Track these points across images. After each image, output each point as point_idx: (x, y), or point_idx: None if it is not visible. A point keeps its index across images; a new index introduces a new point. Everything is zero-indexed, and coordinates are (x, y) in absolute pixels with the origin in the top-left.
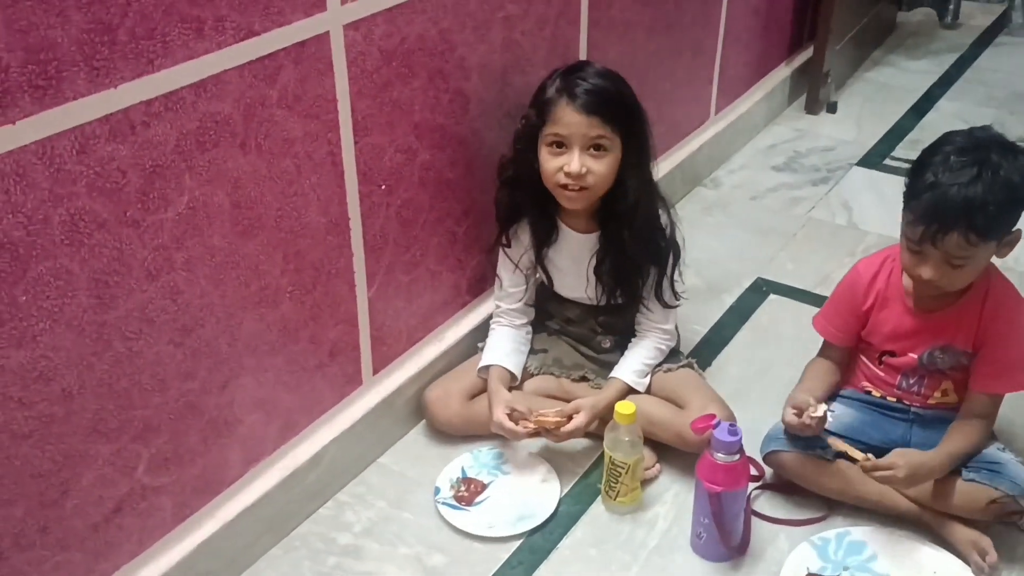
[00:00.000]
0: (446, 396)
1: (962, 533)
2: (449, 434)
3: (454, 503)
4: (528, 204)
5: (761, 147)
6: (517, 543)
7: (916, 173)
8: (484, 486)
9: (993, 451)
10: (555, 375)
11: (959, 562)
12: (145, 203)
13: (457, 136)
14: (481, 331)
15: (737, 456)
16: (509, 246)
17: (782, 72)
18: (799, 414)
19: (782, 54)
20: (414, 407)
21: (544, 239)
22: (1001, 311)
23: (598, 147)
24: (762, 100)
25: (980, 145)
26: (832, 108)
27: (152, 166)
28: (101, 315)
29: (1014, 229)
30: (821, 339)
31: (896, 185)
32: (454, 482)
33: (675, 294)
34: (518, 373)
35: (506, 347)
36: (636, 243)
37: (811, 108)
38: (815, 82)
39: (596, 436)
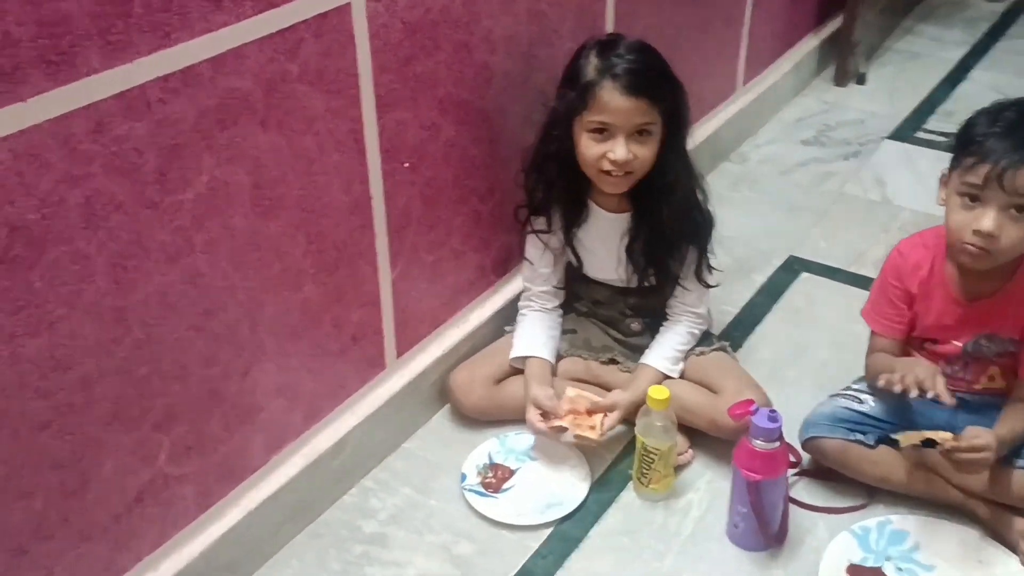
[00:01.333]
0: (471, 380)
1: (1012, 522)
2: (475, 419)
3: (481, 490)
4: (560, 186)
5: (789, 120)
6: (547, 532)
7: (971, 125)
8: (512, 472)
9: None
10: (583, 357)
11: (1007, 552)
12: (163, 183)
13: (482, 111)
14: (507, 313)
15: (777, 443)
16: (539, 231)
17: (810, 42)
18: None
19: (810, 24)
20: (439, 391)
21: (574, 220)
22: None
23: (643, 131)
24: (790, 72)
25: None
26: (862, 80)
27: (170, 145)
28: (119, 300)
29: None
30: (857, 318)
31: (931, 159)
32: (481, 468)
33: (707, 279)
34: (552, 359)
35: (541, 335)
36: (674, 221)
37: (840, 80)
38: (845, 53)
39: (628, 422)
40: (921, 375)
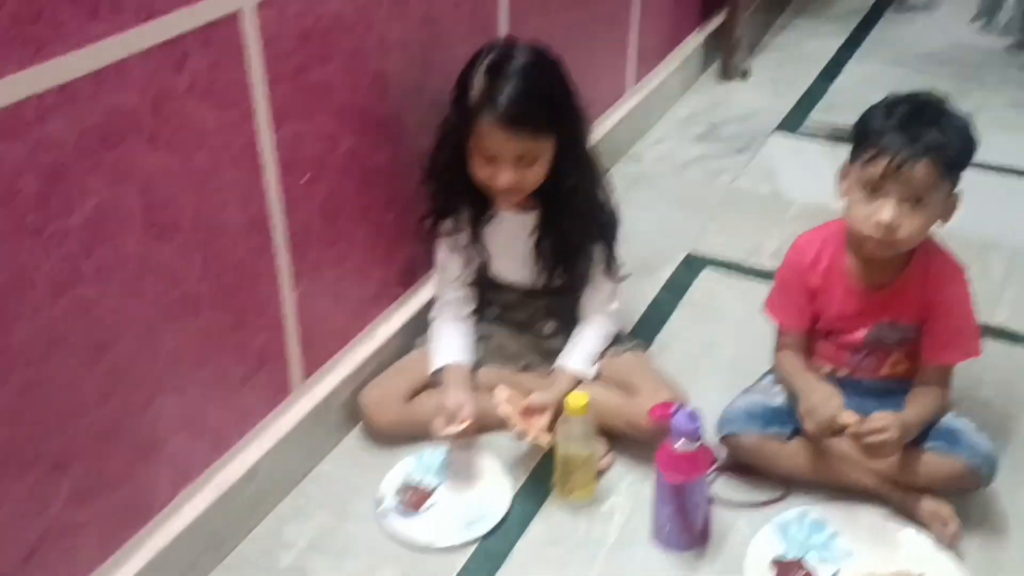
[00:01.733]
0: (383, 399)
1: (925, 505)
2: (390, 437)
3: (400, 511)
4: (462, 188)
5: (680, 118)
6: (471, 549)
7: (867, 120)
8: (430, 491)
9: (950, 419)
10: (498, 365)
11: (921, 533)
12: (46, 208)
13: (380, 120)
14: (415, 326)
15: (698, 443)
16: (446, 233)
17: (695, 40)
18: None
19: (695, 21)
20: (350, 411)
21: (480, 218)
22: (944, 282)
23: (528, 158)
24: (678, 70)
25: (929, 101)
26: (746, 75)
27: (51, 167)
28: (1, 340)
29: (955, 191)
30: (761, 311)
31: (816, 150)
32: (398, 489)
33: (614, 273)
34: (472, 366)
35: (457, 342)
36: (580, 220)
37: (725, 76)
38: (729, 49)
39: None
40: (825, 416)
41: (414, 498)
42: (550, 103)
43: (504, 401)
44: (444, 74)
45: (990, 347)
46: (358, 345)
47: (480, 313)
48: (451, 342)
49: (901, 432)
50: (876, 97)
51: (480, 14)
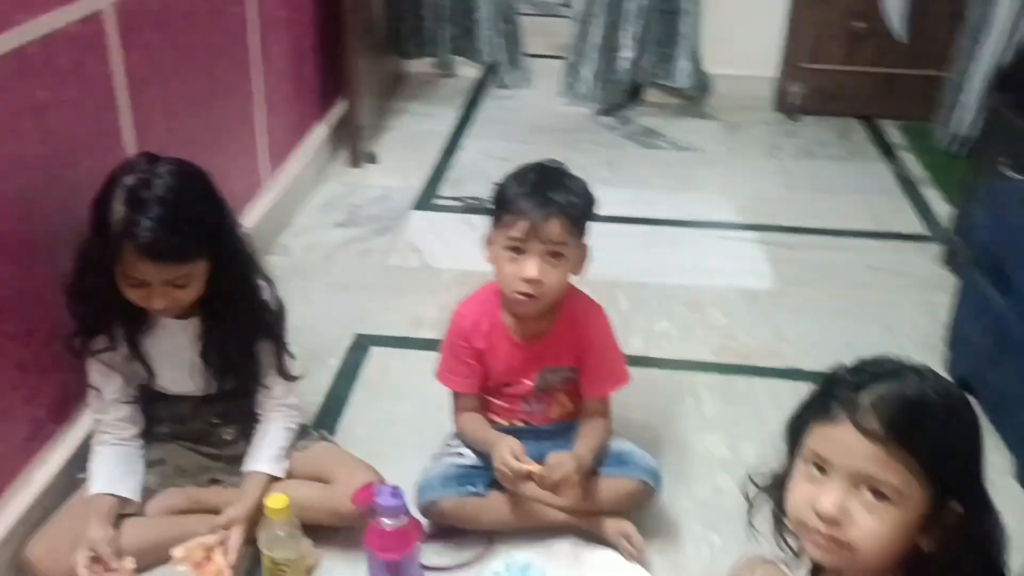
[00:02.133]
0: (54, 549)
1: (609, 526)
2: None
3: None
4: (112, 301)
5: (318, 206)
6: None
7: (503, 189)
8: None
9: (616, 443)
10: (181, 486)
11: (612, 552)
12: None
13: (5, 245)
14: (79, 461)
15: (405, 518)
16: (99, 351)
17: (321, 131)
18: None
19: (317, 113)
20: (18, 571)
21: (138, 330)
22: (589, 322)
23: (181, 281)
24: (309, 161)
25: (552, 168)
26: (374, 159)
27: None
28: None
29: (585, 243)
30: (433, 379)
31: (452, 221)
32: None
33: (287, 372)
34: (135, 496)
35: (114, 470)
36: (242, 326)
37: (355, 162)
38: (354, 136)
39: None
40: (513, 468)
41: None
42: (198, 227)
43: (180, 559)
44: (73, 190)
45: (633, 373)
46: (13, 496)
47: (150, 433)
48: (107, 468)
49: (577, 466)
50: (495, 168)
51: (103, 124)
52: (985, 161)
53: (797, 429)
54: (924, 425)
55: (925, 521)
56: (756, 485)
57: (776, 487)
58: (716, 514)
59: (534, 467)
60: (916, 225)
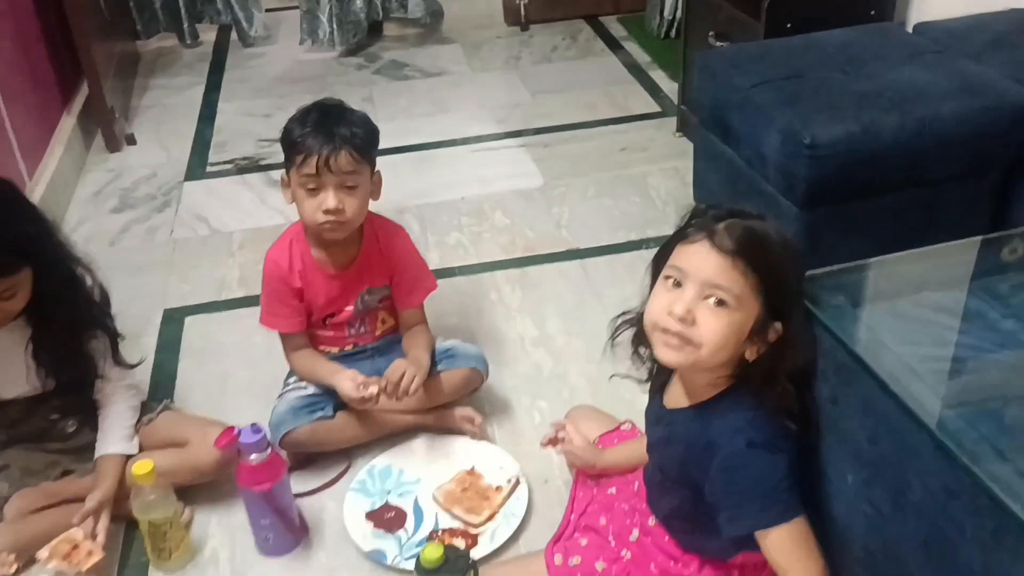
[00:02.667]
0: None
1: (451, 415)
2: None
3: None
4: None
5: (88, 197)
6: None
7: (289, 132)
8: None
9: (442, 343)
10: (33, 485)
11: (460, 437)
12: None
13: None
14: None
15: (269, 450)
16: None
17: (69, 121)
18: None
19: (60, 103)
20: None
21: None
22: (393, 243)
23: (7, 294)
24: (64, 153)
25: (331, 105)
26: (132, 140)
27: None
28: None
29: (376, 171)
30: (255, 332)
31: (228, 184)
32: None
33: (122, 360)
34: None
35: None
36: (70, 323)
37: (112, 146)
38: (105, 121)
39: (122, 518)
40: (363, 397)
41: None
42: (17, 240)
43: (46, 559)
44: None
45: (439, 284)
46: None
47: None
48: None
49: (416, 368)
50: (257, 126)
51: None
52: (694, 37)
53: (661, 258)
54: (766, 252)
55: (752, 334)
56: (622, 319)
57: (636, 318)
58: (538, 384)
59: (377, 385)
60: (651, 104)
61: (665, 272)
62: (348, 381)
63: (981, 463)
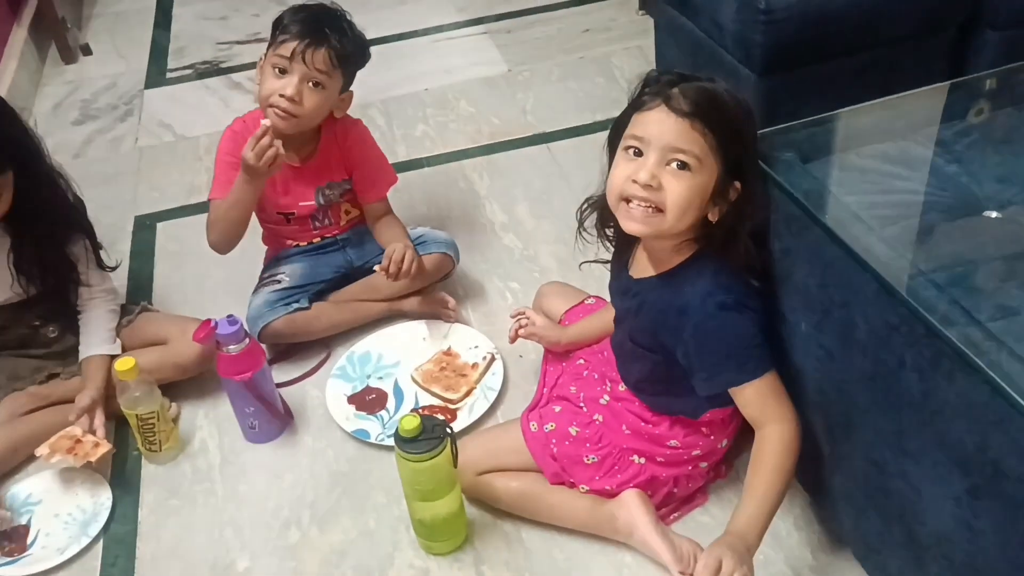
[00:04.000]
0: None
1: (425, 300)
2: None
3: (8, 561)
4: None
5: (48, 111)
6: (99, 545)
7: (281, 19)
8: (27, 527)
9: (412, 231)
10: (20, 389)
11: (434, 320)
12: None
13: None
14: None
15: (247, 340)
16: None
17: (20, 34)
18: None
19: (9, 16)
20: None
21: None
22: (352, 137)
23: None
24: (18, 67)
25: (335, 11)
26: (87, 50)
27: None
28: None
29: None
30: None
31: (190, 89)
32: None
33: (101, 262)
34: None
35: None
36: (50, 229)
37: (67, 58)
38: (58, 32)
39: (112, 416)
40: (260, 146)
41: (15, 539)
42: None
43: (48, 455)
44: None
45: (407, 176)
46: None
47: None
48: None
49: (410, 245)
50: (215, 29)
51: None
52: None
53: (617, 132)
54: (720, 110)
55: (714, 195)
56: (586, 203)
57: (599, 200)
58: (508, 267)
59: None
60: None
61: (624, 143)
62: (248, 150)
63: (919, 296)
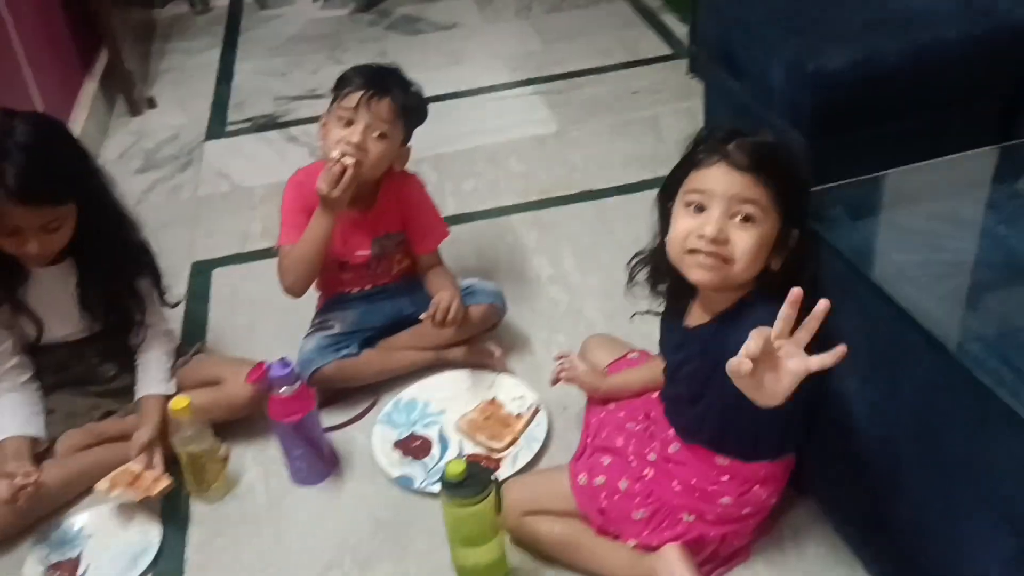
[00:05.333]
0: None
1: (472, 350)
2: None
3: None
4: None
5: (112, 160)
6: None
7: (345, 76)
8: (77, 560)
9: (461, 282)
10: (77, 426)
11: (480, 370)
12: None
13: None
14: None
15: (298, 383)
16: None
17: (91, 86)
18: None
19: (82, 69)
20: None
21: (13, 282)
22: (409, 190)
23: (53, 227)
24: (88, 118)
25: (393, 68)
26: (153, 103)
27: None
28: None
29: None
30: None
31: (249, 142)
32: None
33: (164, 298)
34: (43, 435)
35: (18, 414)
36: (117, 266)
37: (134, 110)
38: (126, 85)
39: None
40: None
41: (66, 571)
42: (65, 168)
43: (107, 490)
44: None
45: (457, 229)
46: None
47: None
48: (8, 415)
49: (457, 295)
50: (274, 85)
51: None
52: None
53: (669, 190)
54: (777, 163)
55: (776, 244)
56: (637, 258)
57: (652, 253)
58: (554, 320)
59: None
60: (662, 48)
61: (685, 199)
62: (321, 182)
63: (968, 354)
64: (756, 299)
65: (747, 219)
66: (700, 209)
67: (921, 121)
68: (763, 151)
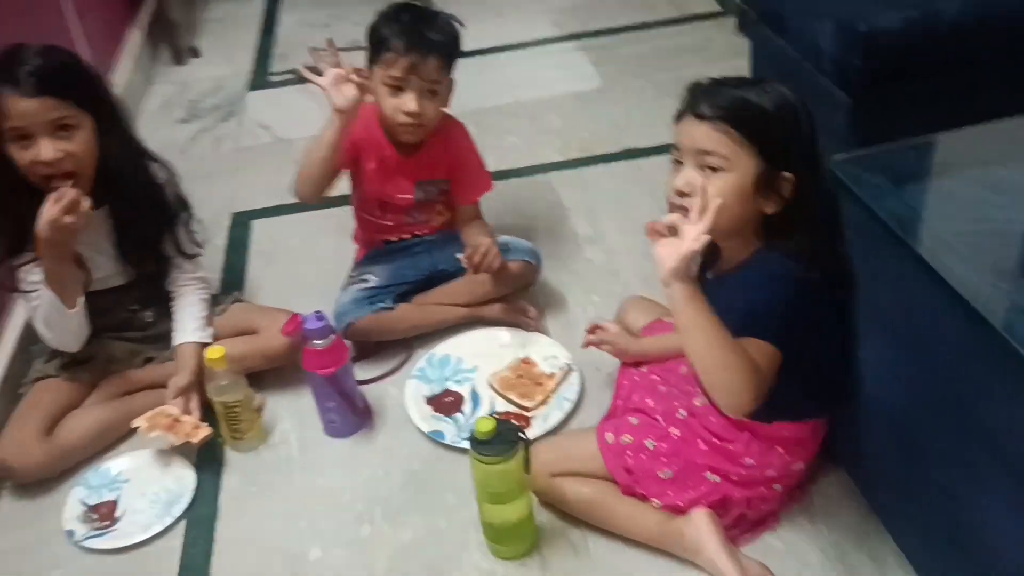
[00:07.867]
0: (20, 444)
1: (506, 308)
2: (44, 479)
3: (97, 532)
4: (24, 212)
5: (156, 109)
6: (182, 525)
7: (377, 29)
8: (114, 503)
9: (497, 239)
10: (117, 372)
11: (514, 328)
12: None
13: None
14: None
15: (333, 336)
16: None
17: (136, 35)
18: None
19: (127, 17)
20: None
21: None
22: (457, 138)
23: (65, 127)
24: (134, 67)
25: (422, 8)
26: (196, 52)
27: None
28: None
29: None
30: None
31: (290, 93)
32: (82, 517)
33: (196, 243)
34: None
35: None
36: (151, 212)
37: (178, 59)
38: (172, 34)
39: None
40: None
41: (104, 513)
42: (75, 71)
43: (147, 428)
44: None
45: (496, 186)
46: None
47: None
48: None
49: (492, 243)
50: (316, 36)
51: None
52: None
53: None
54: (745, 107)
55: (760, 188)
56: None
57: None
58: (591, 280)
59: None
60: (711, 4)
61: (671, 156)
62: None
63: (1008, 326)
64: (765, 251)
65: (714, 169)
66: (678, 163)
67: (973, 76)
68: (729, 99)
